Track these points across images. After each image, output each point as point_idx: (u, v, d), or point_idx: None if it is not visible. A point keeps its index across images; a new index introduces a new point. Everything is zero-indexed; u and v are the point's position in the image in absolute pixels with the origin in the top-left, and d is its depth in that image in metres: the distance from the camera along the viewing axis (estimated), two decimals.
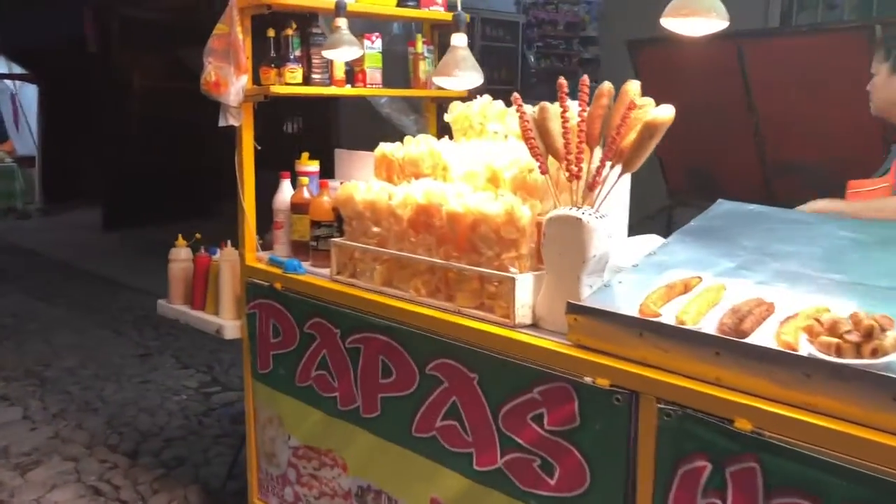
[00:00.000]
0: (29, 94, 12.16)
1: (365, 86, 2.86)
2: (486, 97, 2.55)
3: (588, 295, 1.89)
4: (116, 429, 4.16)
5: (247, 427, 2.92)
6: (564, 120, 1.93)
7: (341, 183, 2.56)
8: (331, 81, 2.78)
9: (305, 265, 2.66)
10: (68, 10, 11.98)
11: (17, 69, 12.03)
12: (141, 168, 10.20)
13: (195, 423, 4.27)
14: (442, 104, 3.48)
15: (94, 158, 12.75)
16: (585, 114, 1.94)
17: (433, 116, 3.30)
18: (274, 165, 2.98)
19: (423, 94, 3.09)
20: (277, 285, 2.66)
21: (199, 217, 10.16)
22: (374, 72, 2.85)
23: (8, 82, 12.22)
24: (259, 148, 2.81)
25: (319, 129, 9.53)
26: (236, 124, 2.71)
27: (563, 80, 1.96)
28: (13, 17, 12.71)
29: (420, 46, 3.02)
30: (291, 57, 2.67)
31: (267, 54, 2.72)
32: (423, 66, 3.02)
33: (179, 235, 3.18)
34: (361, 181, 2.51)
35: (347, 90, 2.84)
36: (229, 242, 3.00)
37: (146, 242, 9.16)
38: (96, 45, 11.99)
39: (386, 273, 2.37)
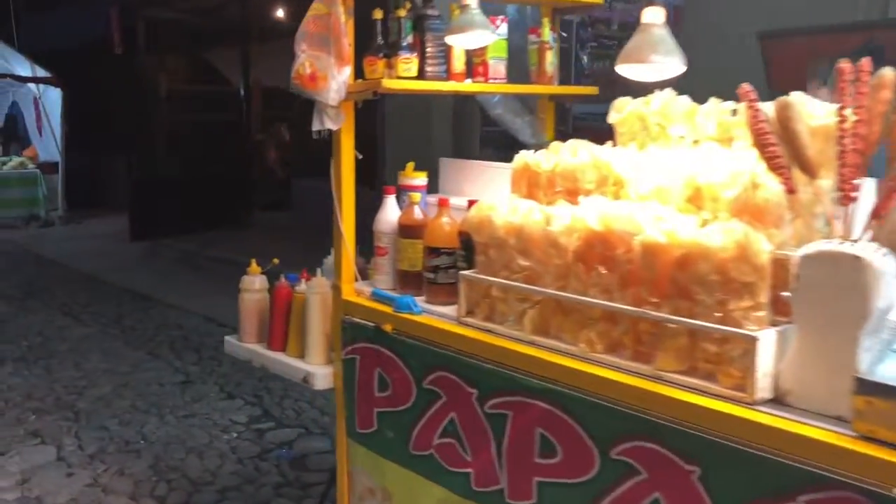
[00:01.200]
0: (52, 98, 11.73)
1: (486, 80, 2.33)
2: (669, 91, 2.01)
3: (874, 364, 1.36)
4: (163, 475, 3.64)
5: (338, 497, 2.39)
6: (842, 119, 1.39)
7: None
8: (448, 75, 2.25)
9: (419, 301, 2.13)
10: (93, 11, 11.57)
11: (41, 72, 11.59)
12: (168, 174, 9.73)
13: (250, 468, 3.75)
14: (563, 103, 2.96)
15: (119, 165, 12.32)
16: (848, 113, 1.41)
17: (550, 118, 2.77)
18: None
19: (555, 91, 2.56)
20: (387, 327, 2.14)
21: (231, 227, 9.69)
22: (497, 64, 2.32)
23: (31, 86, 11.79)
24: (360, 157, 2.29)
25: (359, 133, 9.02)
26: (334, 128, 2.19)
27: (845, 64, 1.42)
28: (37, 17, 12.32)
29: (547, 34, 2.49)
30: (404, 44, 2.14)
31: (372, 41, 2.20)
32: (550, 58, 2.48)
33: (253, 261, 2.66)
34: (496, 199, 1.98)
35: (467, 86, 2.31)
36: (320, 271, 2.47)
37: (177, 253, 8.69)
38: (122, 47, 11.56)
39: (539, 318, 1.84)
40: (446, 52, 2.23)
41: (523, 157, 2.04)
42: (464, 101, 7.45)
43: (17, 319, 6.45)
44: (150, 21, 11.98)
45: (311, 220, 8.94)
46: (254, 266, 2.63)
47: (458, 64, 2.25)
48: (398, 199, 2.35)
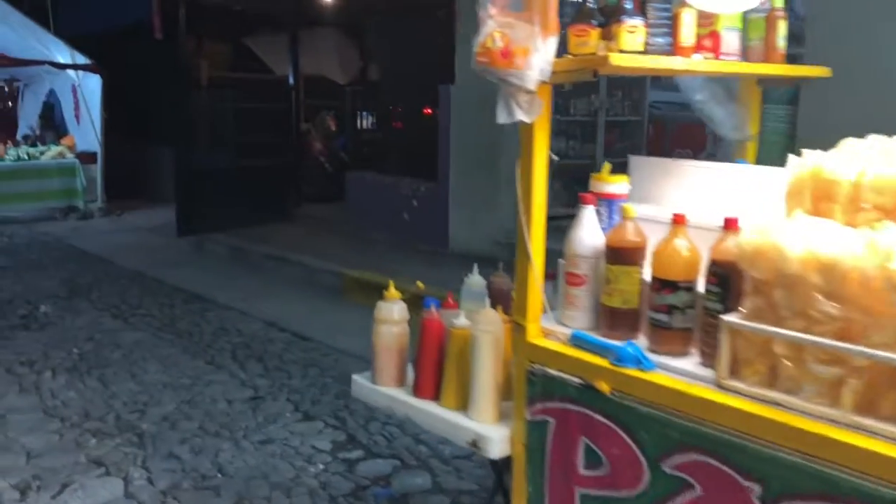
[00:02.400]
0: (90, 85, 11.28)
1: (717, 56, 1.77)
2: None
3: None
4: None
5: None
6: None
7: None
8: (673, 48, 1.70)
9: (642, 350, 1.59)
10: None
11: (80, 58, 11.14)
12: (214, 166, 9.23)
13: None
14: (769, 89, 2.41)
15: (160, 155, 11.87)
16: None
17: (756, 107, 2.22)
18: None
19: (787, 72, 2.00)
20: (603, 386, 1.60)
21: (279, 220, 9.20)
22: (730, 35, 1.77)
23: (70, 72, 11.34)
24: (557, 159, 1.75)
25: (418, 124, 8.49)
26: (528, 120, 1.65)
27: None
28: (76, 2, 11.88)
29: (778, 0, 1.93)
30: (628, 6, 1.59)
31: (580, 4, 1.65)
32: (782, 29, 1.92)
33: (391, 284, 2.13)
34: (774, 217, 1.43)
35: (704, 63, 1.75)
36: (490, 303, 1.93)
37: (226, 249, 8.22)
38: (162, 32, 11.09)
39: (869, 393, 1.29)
40: (672, 21, 1.68)
41: (812, 160, 1.48)
42: None
43: (65, 322, 5.99)
44: (192, 5, 11.50)
45: (364, 214, 8.48)
46: (392, 290, 2.10)
47: (688, 35, 1.69)
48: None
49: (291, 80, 9.49)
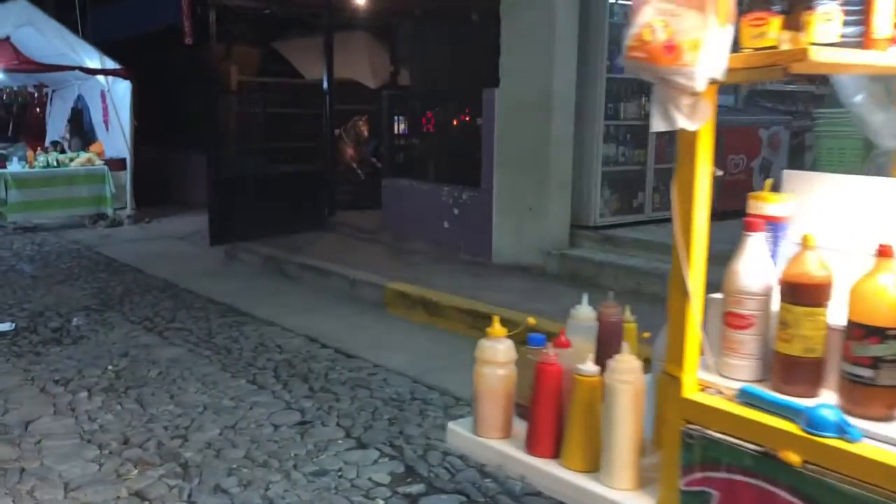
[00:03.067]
0: (119, 91, 11.11)
1: None
2: None
3: None
4: None
5: None
6: None
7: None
8: (865, 39, 1.39)
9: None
10: (163, 0, 10.92)
11: (110, 63, 10.98)
12: (244, 172, 8.99)
13: None
14: None
15: (190, 161, 11.69)
16: None
17: None
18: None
19: None
20: (791, 457, 1.29)
21: (313, 228, 8.95)
22: None
23: (100, 78, 11.18)
24: (721, 174, 1.45)
25: (456, 129, 8.19)
26: (692, 127, 1.35)
27: None
28: (103, 5, 11.73)
29: None
30: None
31: None
32: None
33: (495, 320, 1.83)
34: None
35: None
36: (626, 348, 1.62)
37: (260, 259, 7.97)
38: (192, 36, 10.90)
39: None
40: (864, 4, 1.37)
41: None
42: (588, 85, 6.60)
43: (98, 336, 5.76)
44: (222, 9, 11.31)
45: (401, 222, 8.20)
46: (497, 326, 1.80)
47: (883, 23, 1.38)
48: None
49: (326, 85, 9.20)
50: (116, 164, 11.13)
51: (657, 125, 1.37)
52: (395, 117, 8.25)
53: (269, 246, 8.13)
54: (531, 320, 1.90)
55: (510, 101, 6.64)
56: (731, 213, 7.50)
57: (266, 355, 5.29)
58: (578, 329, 1.86)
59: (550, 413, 1.67)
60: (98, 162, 10.98)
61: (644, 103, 7.02)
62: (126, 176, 11.06)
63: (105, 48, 10.98)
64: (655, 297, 5.73)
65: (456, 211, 7.33)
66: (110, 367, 5.05)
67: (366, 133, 10.98)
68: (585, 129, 6.70)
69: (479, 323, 5.51)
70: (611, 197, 7.00)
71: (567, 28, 6.35)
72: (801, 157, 8.19)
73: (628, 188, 7.16)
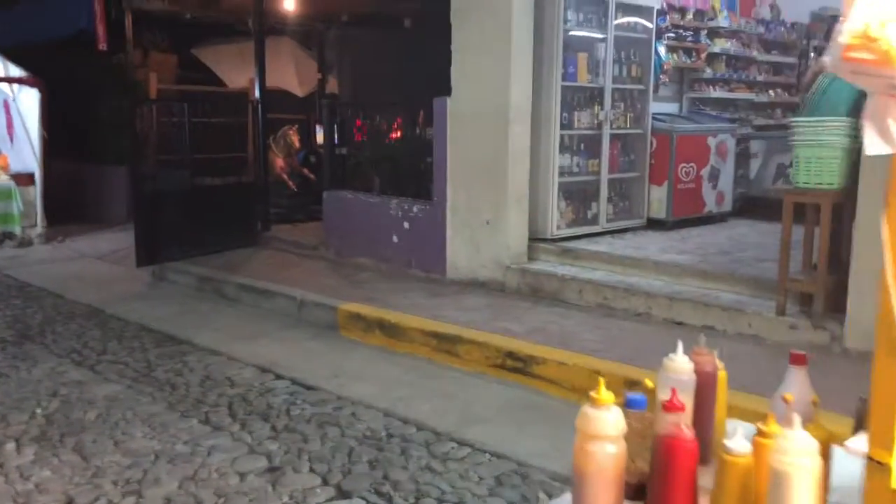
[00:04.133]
0: (27, 101, 10.25)
1: None
2: None
3: None
4: None
5: None
6: None
7: None
8: None
9: None
10: (74, 2, 10.16)
11: (15, 70, 10.12)
12: (169, 186, 8.37)
13: None
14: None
15: (105, 175, 10.94)
16: None
17: None
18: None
19: None
20: None
21: (247, 245, 8.42)
22: None
23: (2, 86, 10.31)
24: None
25: (402, 138, 7.84)
26: None
27: None
28: (9, 9, 10.85)
29: None
30: None
31: None
32: None
33: (600, 384, 1.49)
34: None
35: None
36: (796, 419, 1.32)
37: (194, 280, 7.41)
38: (107, 42, 10.19)
39: None
40: None
41: None
42: (544, 94, 6.36)
43: (20, 373, 5.14)
44: (139, 14, 10.64)
45: (345, 237, 7.74)
46: (602, 391, 1.45)
47: None
48: None
49: (258, 93, 8.69)
50: (24, 179, 10.26)
51: (874, 147, 1.08)
52: (336, 126, 7.82)
53: (202, 265, 7.58)
54: (648, 383, 1.57)
55: (464, 110, 6.34)
56: (682, 221, 7.48)
57: (216, 390, 4.81)
58: (676, 383, 1.55)
59: (688, 500, 1.36)
60: (3, 177, 10.09)
61: (597, 111, 6.84)
62: (35, 191, 10.20)
63: (9, 54, 10.12)
64: (628, 313, 5.55)
65: (406, 225, 6.97)
66: (39, 411, 4.48)
67: (296, 143, 10.50)
68: (541, 139, 6.46)
69: (444, 345, 5.19)
70: (566, 208, 6.79)
71: (523, 36, 6.10)
72: (747, 164, 8.21)
73: (582, 199, 6.97)
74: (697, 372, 1.65)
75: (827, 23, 10.19)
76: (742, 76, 8.95)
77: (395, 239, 7.10)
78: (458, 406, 4.44)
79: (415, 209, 6.93)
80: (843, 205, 4.72)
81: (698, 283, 5.60)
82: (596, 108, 6.85)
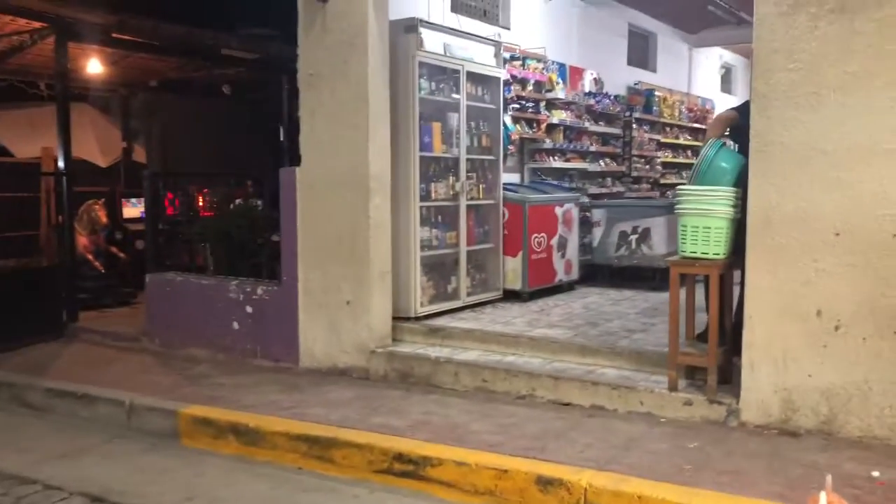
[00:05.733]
0: None
1: None
2: None
3: None
4: None
5: None
6: None
7: None
8: None
9: None
10: None
11: None
12: None
13: None
14: None
15: None
16: None
17: None
18: None
19: None
20: None
21: (51, 339, 7.18)
22: None
23: None
24: None
25: (234, 212, 7.08)
26: None
27: None
28: None
29: None
30: None
31: None
32: None
33: None
34: None
35: None
36: None
37: None
38: None
39: None
40: None
41: None
42: (401, 164, 5.94)
43: None
44: None
45: (173, 325, 6.72)
46: None
47: None
48: None
49: (62, 162, 7.58)
50: None
51: None
52: (159, 199, 6.95)
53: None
54: None
55: (317, 181, 5.80)
56: (537, 292, 7.31)
57: None
58: None
59: None
60: None
61: (453, 182, 6.55)
62: None
63: None
64: (510, 396, 5.14)
65: (249, 308, 6.22)
66: None
67: (103, 219, 9.31)
68: (401, 211, 6.04)
69: (316, 451, 4.49)
70: (426, 283, 6.37)
71: (380, 102, 5.70)
72: (590, 232, 8.26)
73: (442, 273, 6.60)
74: None
75: (643, 95, 10.77)
76: (576, 146, 9.11)
77: (235, 325, 6.31)
78: None
79: (259, 291, 6.21)
80: (725, 276, 4.68)
81: (578, 358, 5.34)
82: (451, 178, 6.55)
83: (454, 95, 6.56)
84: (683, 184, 5.17)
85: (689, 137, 12.25)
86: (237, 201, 8.03)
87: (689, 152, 12.10)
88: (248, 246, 6.78)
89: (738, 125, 4.90)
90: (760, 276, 4.30)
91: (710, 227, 4.44)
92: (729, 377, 4.73)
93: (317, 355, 5.93)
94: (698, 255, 4.53)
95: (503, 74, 7.23)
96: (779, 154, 4.23)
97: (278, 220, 6.17)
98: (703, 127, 12.80)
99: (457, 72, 6.54)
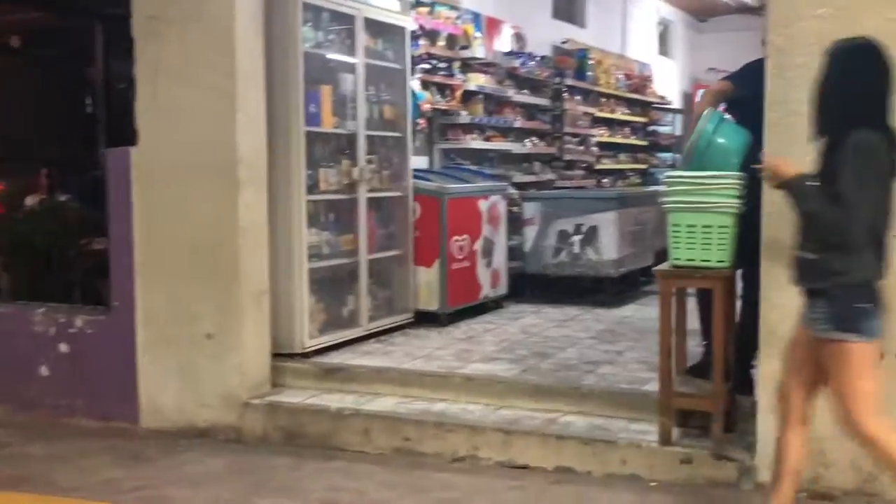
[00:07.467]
0: None
1: None
2: None
3: None
4: None
5: None
6: None
7: None
8: None
9: None
10: None
11: None
12: None
13: None
14: None
15: None
16: None
17: None
18: None
19: None
20: None
21: None
22: None
23: None
24: None
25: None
26: None
27: None
28: None
29: None
30: None
31: None
32: None
33: None
34: None
35: None
36: None
37: None
38: None
39: None
40: None
41: None
42: (280, 144, 5.46)
43: None
44: None
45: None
46: None
47: None
48: None
49: None
50: None
51: None
52: None
53: None
54: None
55: (162, 166, 5.27)
56: (458, 313, 6.97)
57: None
58: None
59: None
60: None
61: (348, 168, 6.09)
62: None
63: None
64: (443, 459, 4.77)
65: (64, 347, 5.65)
66: None
67: None
68: (280, 209, 5.54)
69: None
70: (316, 306, 5.89)
71: (251, 54, 5.24)
72: (521, 234, 7.98)
73: (336, 292, 6.13)
74: None
75: (575, 57, 10.65)
76: (498, 122, 8.83)
77: (44, 371, 5.73)
78: None
79: (78, 322, 5.64)
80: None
81: (532, 403, 5.04)
82: (345, 162, 6.11)
83: (348, 49, 6.15)
84: (623, 170, 4.99)
85: (627, 111, 12.27)
86: (34, 197, 7.38)
87: (626, 129, 12.12)
88: (61, 259, 6.16)
89: (737, 97, 4.80)
90: (782, 291, 4.07)
91: (710, 226, 4.22)
92: (733, 423, 4.54)
93: (165, 410, 5.39)
94: (696, 262, 4.29)
95: (410, 23, 6.85)
96: (804, 126, 4.03)
97: (100, 222, 5.71)
98: (643, 98, 12.92)
99: (352, 18, 6.12)
